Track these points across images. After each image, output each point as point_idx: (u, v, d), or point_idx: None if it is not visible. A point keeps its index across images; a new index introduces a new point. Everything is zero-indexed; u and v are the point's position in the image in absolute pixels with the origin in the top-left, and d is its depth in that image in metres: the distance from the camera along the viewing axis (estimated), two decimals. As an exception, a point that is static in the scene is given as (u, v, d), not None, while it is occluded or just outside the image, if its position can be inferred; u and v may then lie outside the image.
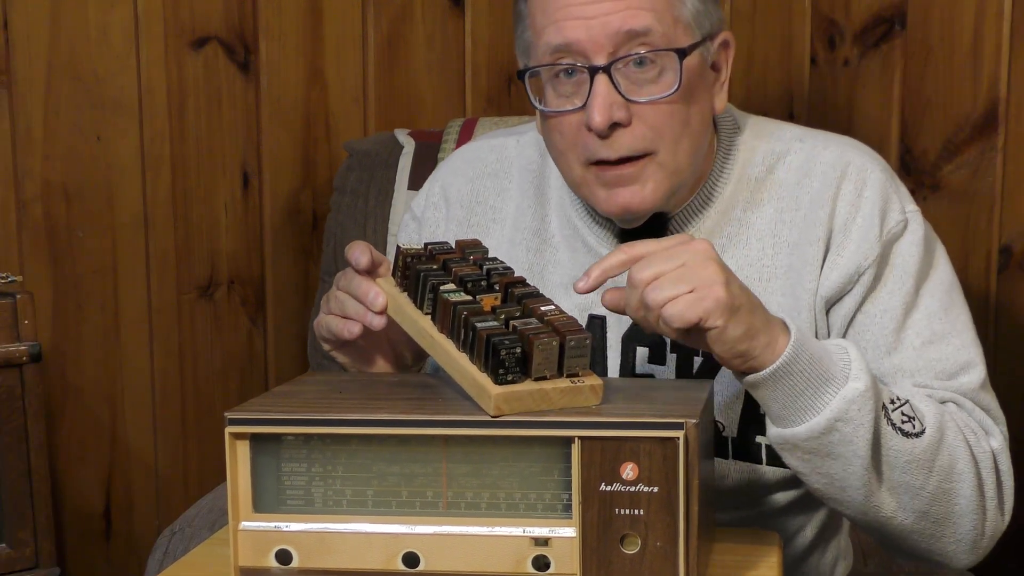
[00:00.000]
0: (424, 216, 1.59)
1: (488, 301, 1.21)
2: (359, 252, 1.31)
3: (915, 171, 2.22)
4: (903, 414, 1.31)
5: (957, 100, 2.19)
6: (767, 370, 1.25)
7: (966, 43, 2.18)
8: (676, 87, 1.35)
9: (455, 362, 1.19)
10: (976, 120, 2.18)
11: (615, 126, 1.35)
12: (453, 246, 1.30)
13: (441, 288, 1.22)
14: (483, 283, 1.24)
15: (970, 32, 2.17)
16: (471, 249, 1.30)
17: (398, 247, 1.30)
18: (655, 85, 1.36)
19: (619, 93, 1.35)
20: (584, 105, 1.35)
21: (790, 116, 2.33)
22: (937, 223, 2.17)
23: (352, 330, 1.31)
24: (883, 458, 1.30)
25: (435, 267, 1.26)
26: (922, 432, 1.31)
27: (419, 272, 1.25)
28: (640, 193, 1.38)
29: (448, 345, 1.20)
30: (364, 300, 1.30)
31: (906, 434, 1.30)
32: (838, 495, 1.32)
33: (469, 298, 1.21)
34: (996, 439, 1.39)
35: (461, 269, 1.25)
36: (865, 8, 2.25)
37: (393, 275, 1.31)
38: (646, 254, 1.24)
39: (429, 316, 1.24)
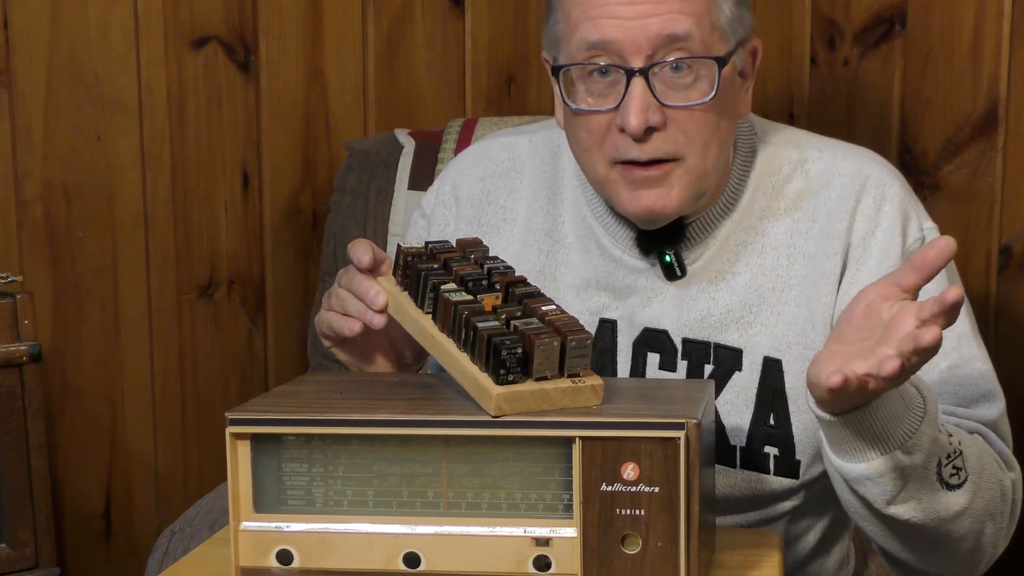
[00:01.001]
0: (434, 214, 1.58)
1: (489, 301, 1.21)
2: (361, 251, 1.31)
3: (915, 171, 2.22)
4: (954, 467, 1.28)
5: (957, 100, 2.19)
6: (825, 416, 1.23)
7: (966, 43, 2.18)
8: (712, 95, 1.34)
9: (456, 362, 1.19)
10: (976, 120, 2.18)
11: (649, 129, 1.34)
12: (454, 245, 1.30)
13: (442, 287, 1.22)
14: (484, 283, 1.24)
15: (970, 32, 2.17)
16: (472, 248, 1.29)
17: (399, 246, 1.30)
18: (691, 91, 1.35)
19: (654, 96, 1.33)
20: (618, 106, 1.34)
21: (790, 116, 2.33)
22: (937, 223, 2.17)
23: (352, 327, 1.31)
24: (922, 509, 1.27)
25: (436, 266, 1.26)
26: (965, 480, 1.29)
27: (420, 271, 1.25)
28: (666, 197, 1.37)
29: (449, 345, 1.20)
30: (365, 299, 1.30)
31: (950, 487, 1.28)
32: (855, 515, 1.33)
33: (470, 298, 1.21)
34: (1015, 471, 1.38)
35: (462, 268, 1.25)
36: (865, 8, 2.25)
37: (394, 274, 1.31)
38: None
39: (430, 315, 1.24)
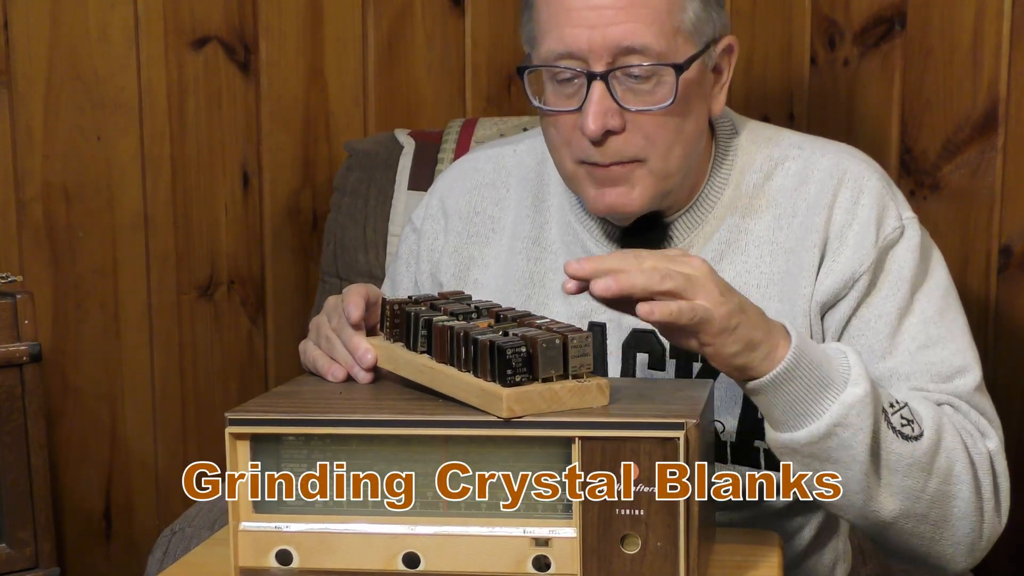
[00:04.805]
0: (423, 228, 1.60)
1: (482, 324, 1.21)
2: (353, 305, 1.32)
3: (915, 171, 2.22)
4: (903, 417, 1.31)
5: (957, 100, 2.19)
6: (766, 377, 1.25)
7: (966, 43, 2.17)
8: (671, 101, 1.36)
9: (460, 380, 1.18)
10: (976, 120, 2.18)
11: (609, 133, 1.36)
12: (436, 295, 1.33)
13: (435, 319, 1.23)
14: (473, 315, 1.25)
15: (970, 32, 2.17)
16: (455, 296, 1.32)
17: (383, 300, 1.32)
18: (651, 95, 1.36)
19: (614, 100, 1.35)
20: (580, 108, 1.36)
21: (790, 116, 2.33)
22: (937, 223, 2.17)
23: (336, 375, 1.32)
24: (883, 462, 1.30)
25: (423, 308, 1.27)
26: (921, 435, 1.31)
27: (409, 313, 1.26)
28: (628, 195, 1.39)
29: (449, 370, 1.20)
30: (354, 355, 1.31)
31: (906, 437, 1.31)
32: (838, 499, 1.32)
33: (464, 323, 1.22)
34: (992, 440, 1.39)
35: (450, 306, 1.26)
36: (865, 8, 2.25)
37: (380, 328, 1.32)
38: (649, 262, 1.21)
39: (425, 353, 1.24)
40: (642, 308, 1.17)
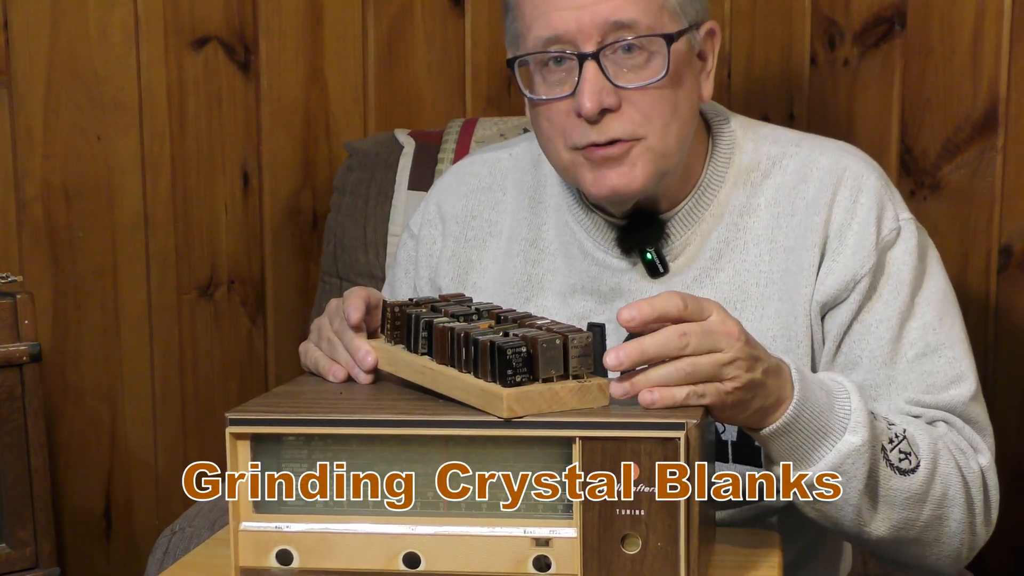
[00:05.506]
0: (421, 234, 1.60)
1: (483, 326, 1.22)
2: (353, 308, 1.32)
3: (915, 171, 2.22)
4: (900, 451, 1.32)
5: (957, 100, 2.19)
6: (764, 431, 1.25)
7: (966, 43, 2.18)
8: (664, 72, 1.36)
9: (460, 381, 1.18)
10: (976, 120, 2.18)
11: (604, 112, 1.36)
12: (437, 297, 1.33)
13: (435, 321, 1.23)
14: (474, 317, 1.25)
15: (970, 32, 2.17)
16: (455, 298, 1.32)
17: (384, 302, 1.32)
18: (644, 71, 1.36)
19: (608, 79, 1.35)
20: (573, 92, 1.36)
21: (790, 116, 2.33)
22: (937, 223, 2.17)
23: (337, 375, 1.32)
24: (881, 497, 1.31)
25: (424, 309, 1.27)
26: (918, 466, 1.32)
27: (409, 315, 1.26)
28: (629, 175, 1.39)
29: (450, 371, 1.20)
30: (355, 357, 1.31)
31: (903, 472, 1.31)
32: (829, 526, 1.34)
33: (464, 324, 1.22)
34: (984, 456, 1.40)
35: (450, 308, 1.27)
36: (865, 8, 2.25)
37: (381, 330, 1.32)
38: (694, 321, 1.18)
39: (425, 355, 1.24)
40: (644, 398, 1.17)
